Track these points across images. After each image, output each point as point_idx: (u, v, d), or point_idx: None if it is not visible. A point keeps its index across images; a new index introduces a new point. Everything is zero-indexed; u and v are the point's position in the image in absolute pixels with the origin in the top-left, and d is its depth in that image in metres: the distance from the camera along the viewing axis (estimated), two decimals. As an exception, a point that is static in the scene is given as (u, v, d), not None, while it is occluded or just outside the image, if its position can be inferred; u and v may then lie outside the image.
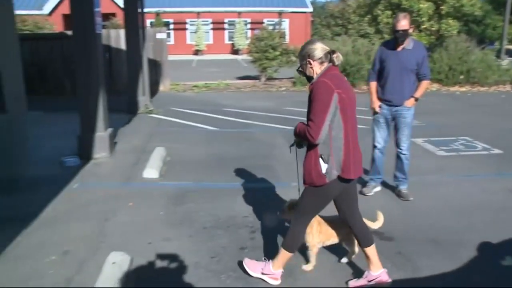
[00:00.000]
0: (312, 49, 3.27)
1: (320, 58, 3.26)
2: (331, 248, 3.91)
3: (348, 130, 3.20)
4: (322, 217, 3.74)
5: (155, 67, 14.36)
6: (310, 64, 3.28)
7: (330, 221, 3.75)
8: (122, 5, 26.30)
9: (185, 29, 34.25)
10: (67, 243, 4.16)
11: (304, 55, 3.31)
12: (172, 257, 3.95)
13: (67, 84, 13.97)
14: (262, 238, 4.30)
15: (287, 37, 26.23)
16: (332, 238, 3.75)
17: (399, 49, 5.01)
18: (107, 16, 22.74)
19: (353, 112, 3.25)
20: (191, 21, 33.93)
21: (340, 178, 3.22)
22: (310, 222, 3.55)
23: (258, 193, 5.41)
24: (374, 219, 3.80)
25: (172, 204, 5.06)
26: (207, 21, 34.09)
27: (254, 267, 3.61)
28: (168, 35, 17.86)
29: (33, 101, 11.00)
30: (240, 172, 6.17)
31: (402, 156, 5.27)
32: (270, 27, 20.37)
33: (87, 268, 3.75)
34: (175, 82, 15.58)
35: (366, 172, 5.75)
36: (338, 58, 3.27)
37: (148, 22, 11.26)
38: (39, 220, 4.67)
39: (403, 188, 5.35)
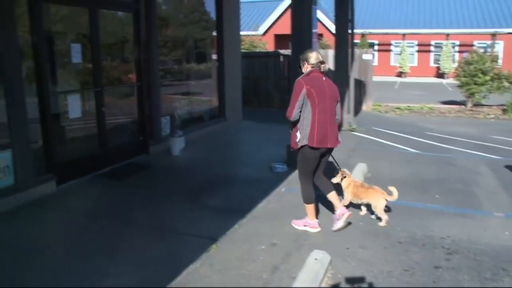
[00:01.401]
0: (309, 56, 4.69)
1: (312, 64, 4.67)
2: None
3: (315, 113, 4.54)
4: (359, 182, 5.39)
5: (359, 87, 14.75)
6: (305, 65, 4.72)
7: (364, 188, 5.24)
8: (329, 27, 27.47)
9: (389, 50, 34.09)
10: (275, 237, 4.73)
11: (303, 58, 4.74)
12: (367, 263, 4.22)
13: (276, 97, 15.21)
14: (459, 261, 4.28)
15: (500, 61, 24.29)
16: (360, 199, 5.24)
17: None
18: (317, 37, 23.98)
19: (323, 102, 4.56)
20: (396, 43, 33.64)
21: (309, 146, 4.60)
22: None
23: (458, 217, 5.34)
24: None
25: (370, 216, 5.32)
26: (413, 43, 33.40)
27: (299, 223, 4.99)
28: (373, 56, 18.13)
29: (246, 111, 12.35)
30: (439, 195, 6.14)
31: None
32: (481, 50, 19.17)
33: (291, 260, 4.23)
34: (378, 102, 15.76)
35: None
36: (324, 67, 4.71)
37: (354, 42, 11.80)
38: (253, 213, 5.38)
39: None
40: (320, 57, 4.70)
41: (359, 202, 5.29)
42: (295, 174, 6.87)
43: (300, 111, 4.59)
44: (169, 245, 4.59)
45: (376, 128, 11.33)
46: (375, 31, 32.93)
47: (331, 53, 14.03)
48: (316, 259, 4.05)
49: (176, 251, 4.45)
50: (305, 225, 4.95)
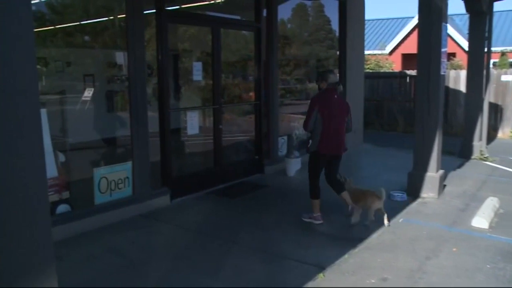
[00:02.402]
0: (329, 76, 5.75)
1: (328, 83, 5.70)
2: None
3: (325, 126, 5.55)
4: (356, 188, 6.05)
5: (495, 111, 13.66)
6: (323, 83, 5.75)
7: (361, 191, 5.92)
8: (463, 45, 25.91)
9: (535, 71, 31.11)
10: (387, 271, 4.45)
11: (323, 76, 5.79)
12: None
13: (400, 121, 14.64)
14: None
15: None
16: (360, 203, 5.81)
17: None
18: (447, 56, 22.73)
19: (331, 117, 5.56)
20: (544, 62, 30.63)
21: (318, 152, 5.66)
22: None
23: None
24: None
25: (501, 259, 4.78)
26: None
27: (306, 216, 5.89)
28: (514, 77, 16.65)
29: (367, 134, 12.02)
30: None
31: None
32: None
33: (404, 299, 3.95)
34: (517, 129, 14.44)
35: None
36: (339, 88, 5.72)
37: (491, 62, 10.70)
38: (365, 243, 5.13)
39: None
40: (337, 79, 5.90)
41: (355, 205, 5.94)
42: (416, 204, 6.56)
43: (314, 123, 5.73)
44: (273, 269, 4.53)
45: (513, 158, 10.34)
46: (518, 50, 30.36)
47: (463, 74, 13.21)
48: (431, 301, 3.73)
49: (280, 276, 4.38)
50: (310, 218, 5.84)
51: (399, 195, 6.76)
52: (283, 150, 8.85)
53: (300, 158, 8.33)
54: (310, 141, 5.73)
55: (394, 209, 6.24)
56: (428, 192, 6.80)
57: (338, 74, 5.61)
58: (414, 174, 6.97)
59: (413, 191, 6.85)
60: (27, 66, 2.10)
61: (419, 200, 6.72)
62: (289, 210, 6.37)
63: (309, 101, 5.74)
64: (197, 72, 6.97)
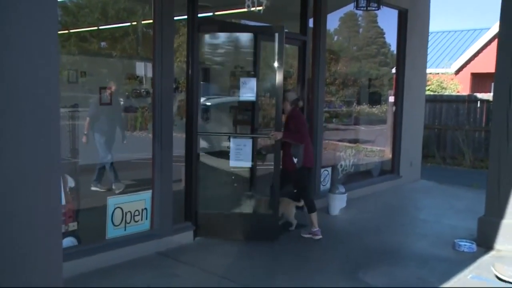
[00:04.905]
0: (288, 95, 6.82)
1: (290, 102, 6.79)
2: None
3: (307, 141, 6.86)
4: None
5: None
6: (285, 103, 6.72)
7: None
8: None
9: None
10: None
11: (284, 97, 6.71)
12: None
13: (467, 153, 14.39)
14: None
15: None
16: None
17: None
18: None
19: (307, 132, 6.99)
20: None
21: (305, 167, 6.87)
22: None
23: None
24: None
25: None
26: None
27: (305, 232, 7.04)
28: None
29: (425, 168, 11.88)
30: None
31: None
32: None
33: None
34: None
35: None
36: (299, 103, 6.99)
37: None
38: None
39: None
40: (296, 96, 6.99)
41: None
42: (489, 258, 6.39)
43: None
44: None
45: None
46: None
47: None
48: None
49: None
50: (311, 234, 6.91)
51: (467, 245, 6.58)
52: (326, 183, 8.80)
53: (345, 194, 8.24)
54: (295, 158, 6.75)
55: (461, 262, 6.08)
56: (506, 244, 6.56)
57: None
58: (487, 221, 6.77)
59: (485, 241, 6.65)
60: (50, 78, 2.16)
61: (493, 253, 6.51)
62: (333, 255, 6.31)
63: (296, 118, 6.76)
64: (248, 90, 6.89)
